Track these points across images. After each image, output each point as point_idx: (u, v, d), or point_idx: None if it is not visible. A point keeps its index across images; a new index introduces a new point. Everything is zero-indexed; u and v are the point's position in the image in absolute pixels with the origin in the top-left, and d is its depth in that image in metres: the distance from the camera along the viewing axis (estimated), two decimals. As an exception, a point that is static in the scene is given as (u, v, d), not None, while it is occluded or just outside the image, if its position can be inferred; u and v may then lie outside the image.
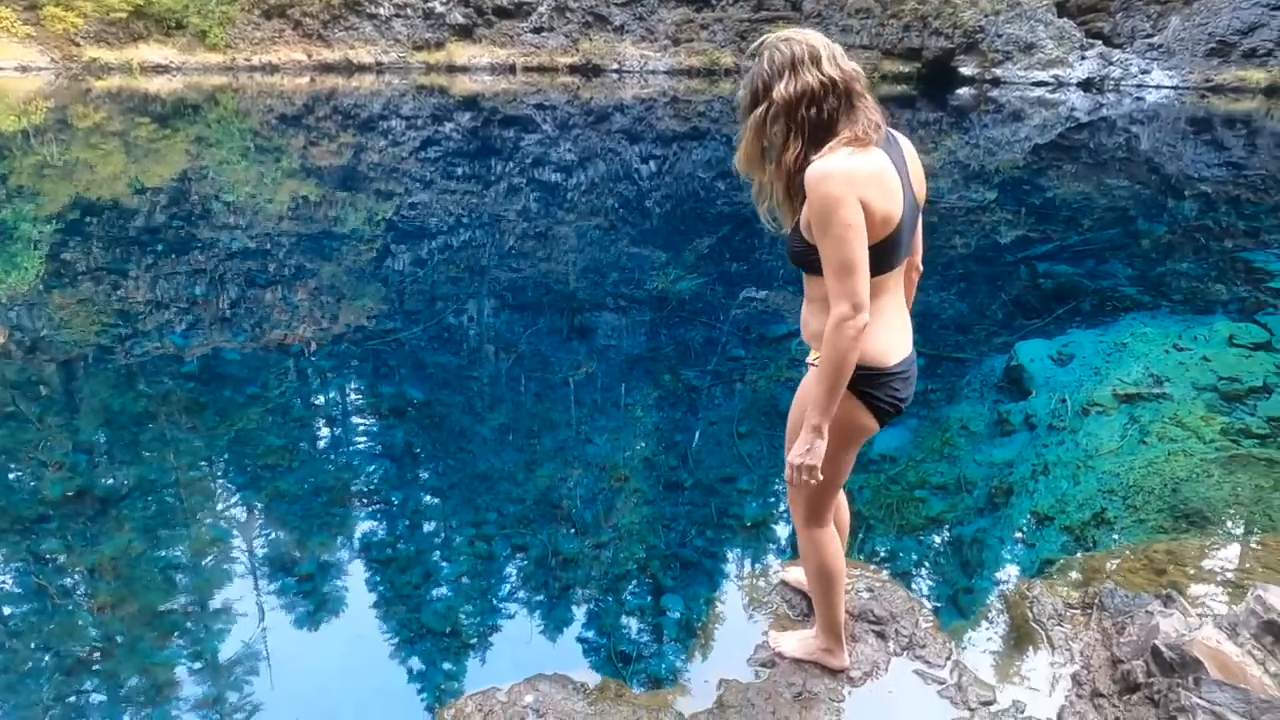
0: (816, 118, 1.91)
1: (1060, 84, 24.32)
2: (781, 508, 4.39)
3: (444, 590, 3.63)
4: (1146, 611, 2.59)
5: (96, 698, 3.33)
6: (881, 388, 2.07)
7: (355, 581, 3.68)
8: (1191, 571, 3.14)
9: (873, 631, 2.62)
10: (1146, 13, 25.04)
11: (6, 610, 3.67)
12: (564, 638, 3.31)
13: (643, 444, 4.80)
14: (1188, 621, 2.46)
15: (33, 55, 22.75)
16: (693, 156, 15.14)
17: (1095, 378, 5.19)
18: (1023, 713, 2.44)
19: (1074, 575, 3.21)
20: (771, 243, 9.68)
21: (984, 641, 2.83)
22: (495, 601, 3.56)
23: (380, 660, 3.24)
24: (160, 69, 24.08)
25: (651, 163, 14.87)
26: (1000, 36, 24.97)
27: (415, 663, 3.22)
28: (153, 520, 4.03)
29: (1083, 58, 24.72)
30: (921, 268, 2.29)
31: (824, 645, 2.50)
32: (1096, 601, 2.81)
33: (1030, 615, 2.84)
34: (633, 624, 3.35)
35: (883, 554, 3.82)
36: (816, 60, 1.91)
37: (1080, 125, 19.08)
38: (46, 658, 3.53)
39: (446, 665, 3.20)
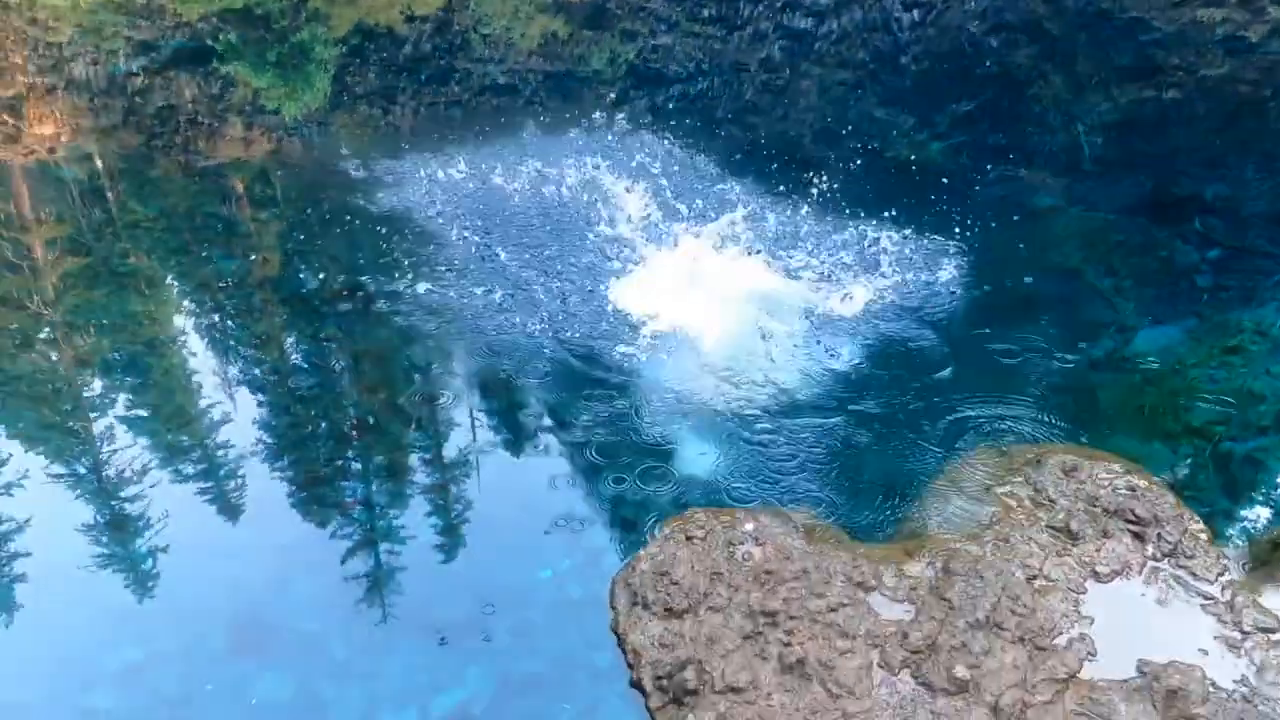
0: None
1: None
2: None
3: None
4: None
5: (355, 465, 3.94)
6: None
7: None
8: None
9: (1130, 531, 2.33)
10: None
11: (293, 383, 4.36)
12: (787, 481, 3.27)
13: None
14: None
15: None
16: (965, 6, 13.34)
17: None
18: (1310, 652, 2.09)
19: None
20: (1043, 113, 8.45)
21: (1266, 568, 2.43)
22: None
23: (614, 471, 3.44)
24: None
25: (915, 11, 13.32)
26: None
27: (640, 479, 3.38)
28: (404, 323, 4.48)
29: None
30: None
31: None
32: None
33: (1334, 551, 2.39)
34: (856, 481, 3.23)
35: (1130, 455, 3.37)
36: None
37: None
38: (323, 424, 4.20)
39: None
